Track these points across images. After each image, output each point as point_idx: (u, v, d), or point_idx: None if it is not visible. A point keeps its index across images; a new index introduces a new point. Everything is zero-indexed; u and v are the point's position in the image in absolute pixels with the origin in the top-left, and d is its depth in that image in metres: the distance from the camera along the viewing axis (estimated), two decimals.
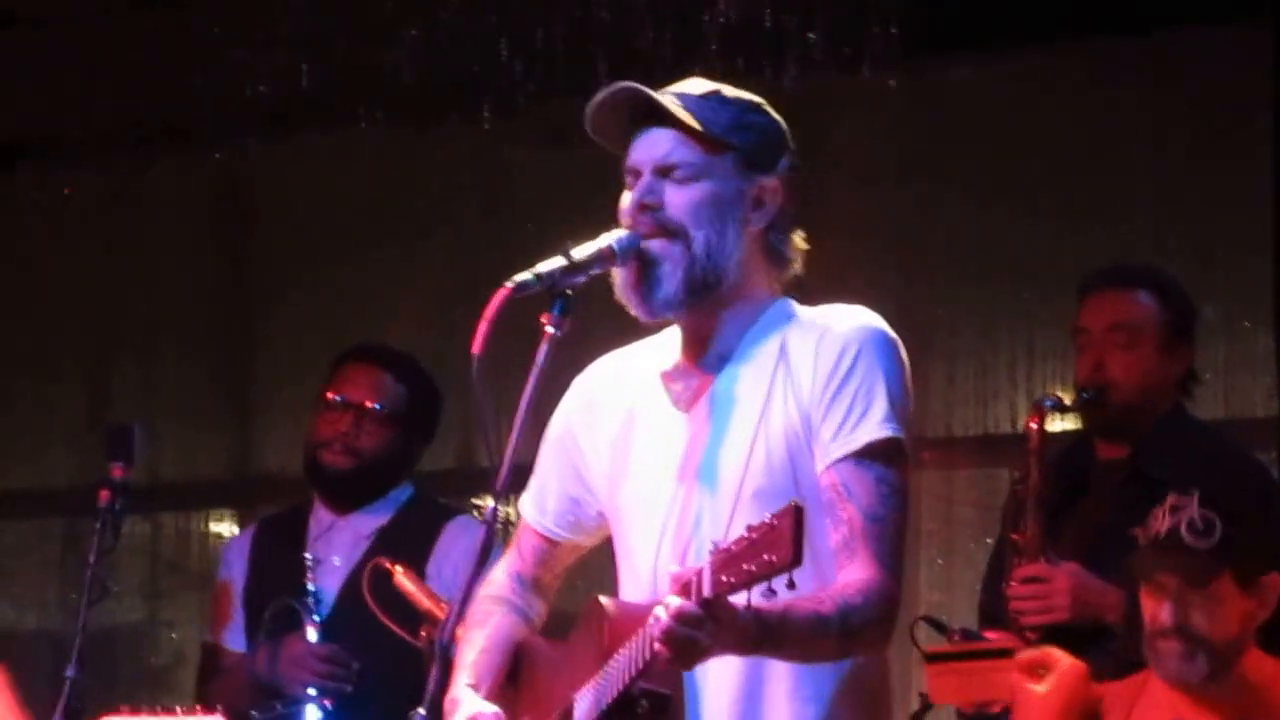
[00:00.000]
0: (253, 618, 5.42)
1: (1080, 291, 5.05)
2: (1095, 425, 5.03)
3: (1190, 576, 4.17)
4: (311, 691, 5.21)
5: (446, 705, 3.55)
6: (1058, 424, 5.42)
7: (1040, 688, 3.01)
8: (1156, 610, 4.21)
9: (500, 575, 3.79)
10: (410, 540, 5.32)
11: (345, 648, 5.23)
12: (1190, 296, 5.04)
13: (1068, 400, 4.99)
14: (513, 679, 3.70)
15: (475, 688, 3.61)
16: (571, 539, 3.75)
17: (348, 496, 5.48)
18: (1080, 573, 4.72)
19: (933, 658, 3.01)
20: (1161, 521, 4.22)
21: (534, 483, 3.75)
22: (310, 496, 5.58)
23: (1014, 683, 3.02)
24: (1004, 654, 3.02)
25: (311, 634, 5.26)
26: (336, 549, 5.42)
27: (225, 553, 5.74)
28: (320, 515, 5.51)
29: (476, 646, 3.69)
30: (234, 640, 5.51)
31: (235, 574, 5.56)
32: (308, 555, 5.34)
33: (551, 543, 3.75)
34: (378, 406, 5.44)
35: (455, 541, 5.36)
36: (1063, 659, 3.04)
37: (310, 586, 5.30)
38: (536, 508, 3.75)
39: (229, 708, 5.11)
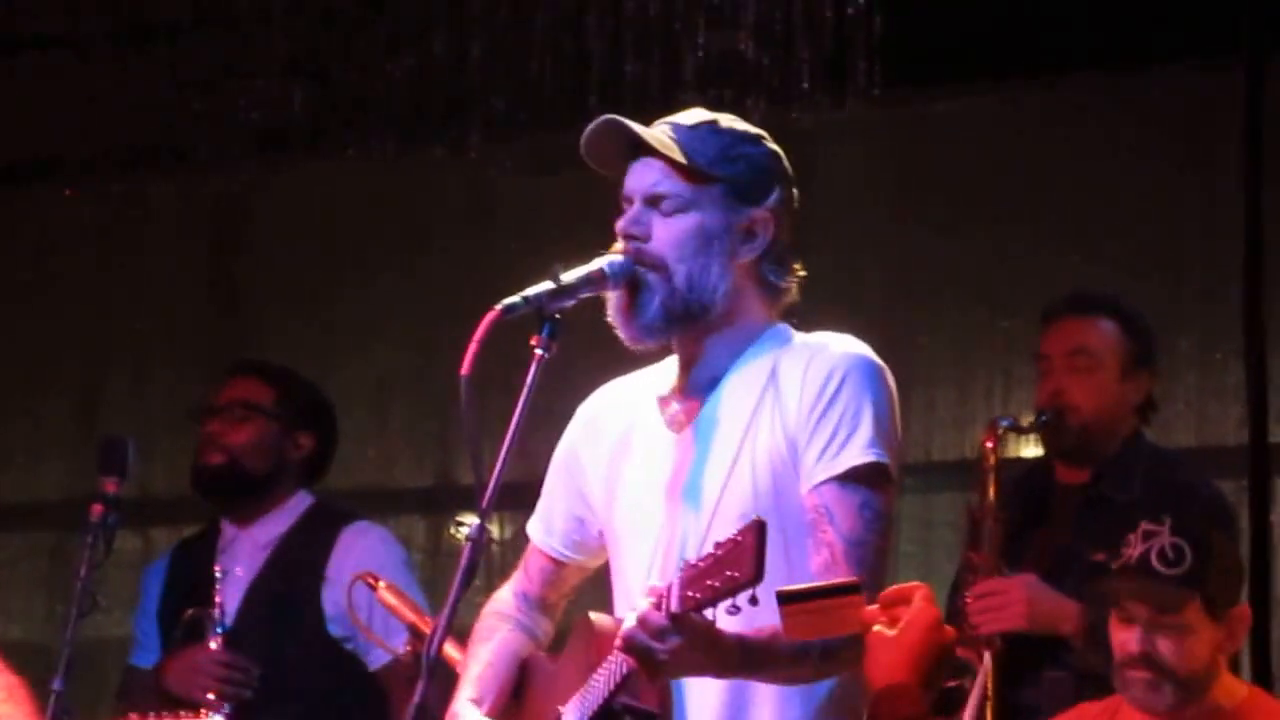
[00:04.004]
0: (167, 634, 5.48)
1: (1044, 318, 5.08)
2: (1054, 449, 5.03)
3: (1158, 604, 4.14)
4: (211, 697, 5.25)
5: (446, 719, 3.58)
6: (1027, 450, 5.50)
7: (890, 632, 3.06)
8: (1124, 638, 4.18)
9: (506, 594, 3.82)
10: (308, 547, 5.39)
11: (247, 656, 5.28)
12: (1152, 326, 5.05)
13: (1025, 422, 4.98)
14: (518, 696, 3.70)
15: (477, 702, 3.64)
16: (577, 559, 3.77)
17: (231, 496, 5.52)
18: (1035, 583, 4.72)
19: (786, 599, 3.07)
20: (1134, 548, 4.17)
21: (541, 505, 3.78)
22: (220, 514, 5.64)
23: (867, 622, 3.08)
24: (854, 589, 3.08)
25: (214, 645, 5.30)
26: (239, 560, 5.48)
27: (144, 578, 5.78)
28: (226, 529, 5.57)
29: (481, 661, 3.70)
30: (149, 660, 5.55)
31: (152, 597, 5.63)
32: (217, 569, 5.39)
33: (558, 564, 3.77)
34: (240, 403, 5.52)
35: (352, 545, 5.41)
36: (917, 600, 3.10)
37: (217, 599, 5.35)
38: (544, 529, 3.77)
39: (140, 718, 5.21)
